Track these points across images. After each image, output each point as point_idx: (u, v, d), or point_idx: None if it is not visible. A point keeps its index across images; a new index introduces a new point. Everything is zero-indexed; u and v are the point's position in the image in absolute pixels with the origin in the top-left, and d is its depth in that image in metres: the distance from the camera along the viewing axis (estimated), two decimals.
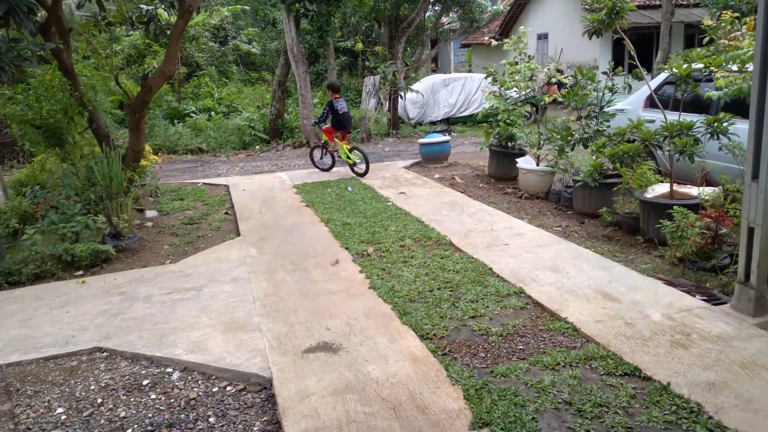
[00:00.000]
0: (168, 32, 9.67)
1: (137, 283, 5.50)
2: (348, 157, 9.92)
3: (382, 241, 6.10)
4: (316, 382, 3.51)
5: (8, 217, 6.93)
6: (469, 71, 27.38)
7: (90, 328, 4.56)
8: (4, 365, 4.11)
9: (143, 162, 8.53)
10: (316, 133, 14.93)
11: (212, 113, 17.25)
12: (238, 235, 6.91)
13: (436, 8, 22.34)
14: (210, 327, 4.43)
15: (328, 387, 3.45)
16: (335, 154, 10.37)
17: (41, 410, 3.57)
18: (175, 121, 16.39)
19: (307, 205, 8.01)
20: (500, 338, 3.95)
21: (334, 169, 10.55)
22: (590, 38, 7.04)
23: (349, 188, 8.83)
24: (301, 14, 14.68)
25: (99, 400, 3.63)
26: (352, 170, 9.99)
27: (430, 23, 22.40)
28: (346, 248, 5.98)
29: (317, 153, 10.76)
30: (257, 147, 14.96)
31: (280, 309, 4.63)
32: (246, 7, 24.67)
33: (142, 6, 9.26)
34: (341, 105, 9.94)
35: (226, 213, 8.07)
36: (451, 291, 4.74)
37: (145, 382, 3.80)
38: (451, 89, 17.28)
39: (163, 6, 9.17)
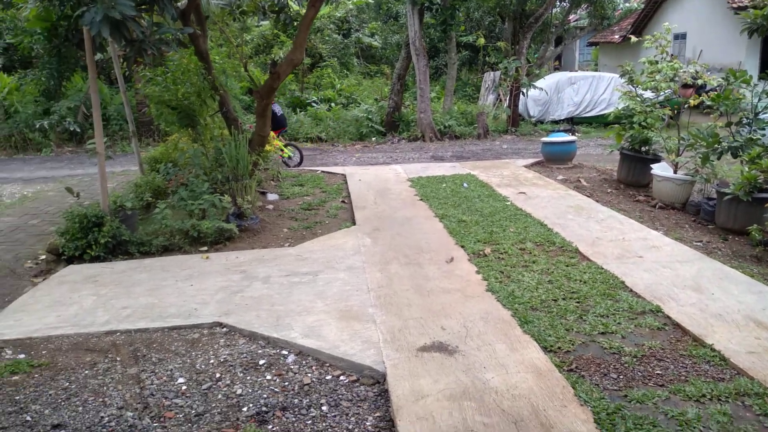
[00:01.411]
0: (296, 22, 9.93)
1: (257, 263, 5.62)
2: (283, 152, 10.86)
3: (500, 242, 5.83)
4: (431, 383, 3.35)
5: (143, 191, 7.37)
6: (595, 70, 26.05)
7: (211, 303, 4.70)
8: (133, 330, 4.32)
9: (267, 147, 8.78)
10: (432, 127, 14.81)
11: (332, 104, 17.63)
12: (354, 224, 6.91)
13: (564, 4, 21.43)
14: (325, 313, 4.40)
15: (444, 390, 3.28)
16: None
17: (164, 378, 3.69)
18: (297, 109, 16.91)
19: (421, 199, 7.88)
20: (634, 359, 3.59)
21: (440, 163, 10.69)
22: (750, 36, 6.34)
23: (465, 184, 8.59)
24: (425, 8, 14.57)
25: (217, 375, 3.70)
26: (285, 164, 10.93)
27: (557, 20, 21.52)
28: (462, 246, 5.77)
29: None
30: (373, 139, 15.07)
31: (394, 302, 4.52)
32: (370, 1, 24.97)
33: None
34: (277, 109, 10.83)
35: (343, 201, 8.12)
36: (578, 302, 4.41)
37: (261, 362, 3.83)
38: (576, 88, 16.48)
39: None
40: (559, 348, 3.74)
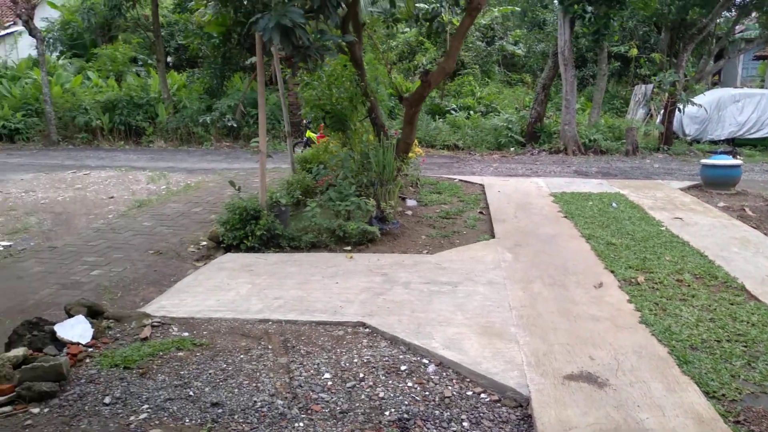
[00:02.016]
0: (447, 30, 10.00)
1: (398, 267, 5.73)
2: None
3: (654, 271, 5.47)
4: (579, 415, 3.21)
5: (294, 189, 7.80)
6: (761, 87, 23.64)
7: (355, 302, 4.86)
8: (284, 321, 4.58)
9: (409, 154, 8.93)
10: (576, 140, 14.25)
11: (471, 112, 17.55)
12: (493, 236, 6.82)
13: (730, 14, 19.65)
14: (465, 326, 4.38)
15: (594, 425, 3.13)
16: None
17: (311, 371, 3.86)
18: (436, 116, 17.03)
19: (565, 216, 7.61)
20: None
21: (585, 179, 10.17)
22: None
23: (614, 204, 8.17)
24: (577, 16, 14.06)
25: (361, 375, 3.81)
26: None
27: (722, 30, 19.79)
28: (611, 271, 5.48)
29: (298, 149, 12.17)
30: (512, 149, 14.82)
31: (538, 324, 4.40)
32: (516, 9, 24.55)
33: (423, 5, 9.69)
34: None
35: (481, 212, 8.05)
36: (745, 346, 4.02)
37: (402, 368, 3.89)
38: (741, 106, 15.08)
39: (447, 4, 9.46)
40: (723, 395, 3.43)
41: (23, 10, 15.69)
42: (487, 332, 4.29)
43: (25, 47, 21.17)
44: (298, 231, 6.55)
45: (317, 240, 6.41)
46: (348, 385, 3.70)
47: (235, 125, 15.44)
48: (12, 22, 20.57)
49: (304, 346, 4.20)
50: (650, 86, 16.33)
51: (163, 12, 18.96)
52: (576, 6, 13.47)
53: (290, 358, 4.04)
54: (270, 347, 4.20)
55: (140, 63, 20.05)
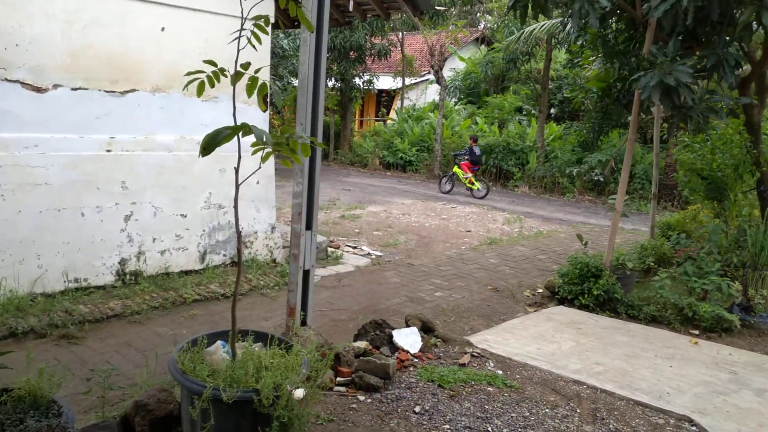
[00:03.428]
0: None
1: (754, 368, 4.80)
2: (472, 184, 14.93)
3: None
4: None
5: (647, 254, 7.25)
6: None
7: (687, 394, 4.26)
8: (599, 389, 4.31)
9: None
10: None
11: None
12: None
13: None
14: None
15: None
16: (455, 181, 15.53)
17: None
18: None
19: None
20: None
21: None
22: None
23: None
24: None
25: None
26: (472, 194, 14.95)
27: None
28: None
29: (444, 180, 15.73)
30: None
31: None
32: None
33: None
34: (477, 150, 15.52)
35: None
36: None
37: None
38: None
39: None
40: None
41: (437, 62, 18.45)
42: None
43: (432, 93, 24.77)
44: (639, 300, 6.06)
45: (659, 315, 5.82)
46: None
47: (601, 179, 15.14)
48: (427, 72, 24.28)
49: (615, 422, 3.87)
50: None
51: (555, 66, 19.89)
52: None
53: (596, 429, 3.78)
54: (578, 411, 4.00)
55: (524, 113, 21.38)
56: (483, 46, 25.36)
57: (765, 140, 7.44)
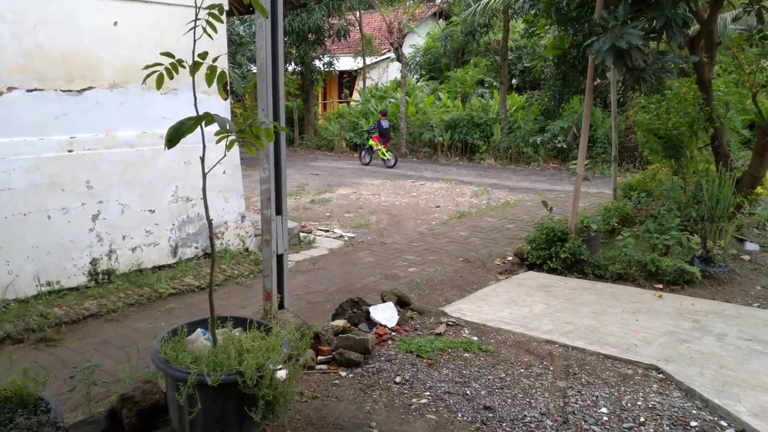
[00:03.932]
0: None
1: (714, 316, 5.06)
2: (384, 155, 16.03)
3: None
4: None
5: (610, 216, 7.49)
6: None
7: (653, 344, 4.47)
8: (571, 347, 4.49)
9: (758, 189, 7.70)
10: None
11: None
12: None
13: None
14: None
15: None
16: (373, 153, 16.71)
17: (588, 402, 3.73)
18: None
19: None
20: None
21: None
22: None
23: None
24: None
25: (642, 419, 3.52)
26: (384, 164, 16.09)
27: None
28: None
29: (363, 153, 17.03)
30: None
31: None
32: None
33: None
34: (384, 123, 16.33)
35: None
36: None
37: (693, 423, 3.46)
38: None
39: None
40: None
41: (396, 39, 18.44)
42: None
43: (394, 71, 24.77)
44: (605, 259, 6.28)
45: (624, 272, 6.05)
46: (624, 425, 3.46)
47: (564, 146, 15.46)
48: (387, 50, 24.23)
49: (586, 376, 4.06)
50: None
51: (513, 37, 20.05)
52: None
53: (569, 384, 3.96)
54: (551, 369, 4.18)
55: (486, 85, 21.54)
56: (441, 20, 25.40)
57: (716, 96, 7.69)
